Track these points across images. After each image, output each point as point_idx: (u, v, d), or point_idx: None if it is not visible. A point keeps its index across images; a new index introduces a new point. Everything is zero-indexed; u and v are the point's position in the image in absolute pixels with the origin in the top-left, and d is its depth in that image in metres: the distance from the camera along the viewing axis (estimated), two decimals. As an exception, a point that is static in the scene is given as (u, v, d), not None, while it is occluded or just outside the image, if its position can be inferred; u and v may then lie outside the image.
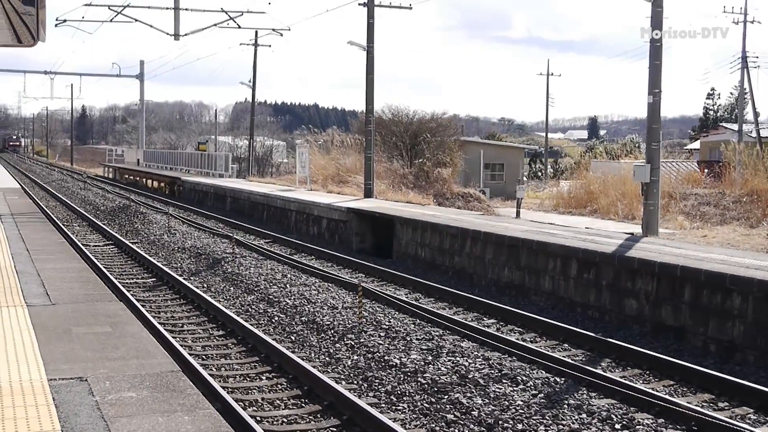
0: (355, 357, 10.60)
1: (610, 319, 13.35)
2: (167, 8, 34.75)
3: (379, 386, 9.38)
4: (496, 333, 11.93)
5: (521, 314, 13.23)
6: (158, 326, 11.66)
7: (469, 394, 8.94)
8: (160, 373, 6.83)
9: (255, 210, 30.77)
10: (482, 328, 12.17)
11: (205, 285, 15.90)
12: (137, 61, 62.43)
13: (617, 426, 8.11)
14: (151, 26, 36.05)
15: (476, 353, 10.62)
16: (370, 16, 28.00)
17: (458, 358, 10.31)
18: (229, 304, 14.13)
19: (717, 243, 18.41)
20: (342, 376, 9.87)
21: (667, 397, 8.97)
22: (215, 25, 36.33)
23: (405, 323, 12.31)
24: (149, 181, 51.09)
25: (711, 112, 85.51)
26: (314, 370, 9.49)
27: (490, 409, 8.50)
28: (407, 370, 9.89)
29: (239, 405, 8.34)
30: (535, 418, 8.25)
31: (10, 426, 5.40)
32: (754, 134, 44.59)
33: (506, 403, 8.68)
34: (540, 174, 67.22)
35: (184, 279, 15.93)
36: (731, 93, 79.41)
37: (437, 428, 8.07)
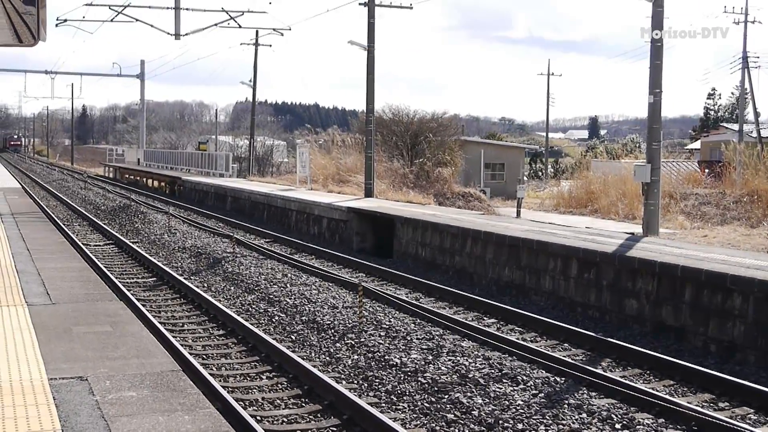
0: (356, 356, 10.60)
1: (610, 319, 13.35)
2: (168, 8, 34.82)
3: (380, 386, 9.38)
4: (496, 333, 11.93)
5: (522, 314, 13.23)
6: (158, 326, 11.66)
7: (469, 394, 8.94)
8: (161, 372, 6.83)
9: (255, 209, 30.77)
10: (483, 327, 12.17)
11: (206, 284, 15.90)
12: (138, 61, 62.54)
13: (617, 426, 8.11)
14: (151, 26, 36.10)
15: (476, 353, 10.62)
16: (371, 16, 28.00)
17: (458, 358, 10.31)
18: (230, 303, 14.13)
19: (717, 243, 18.41)
20: (342, 376, 9.87)
21: (667, 397, 8.96)
22: (216, 24, 36.37)
23: (405, 323, 12.31)
24: (150, 181, 51.09)
25: (711, 112, 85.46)
26: (314, 370, 9.49)
27: (490, 408, 8.50)
28: (407, 369, 9.89)
29: (239, 404, 8.34)
30: (535, 417, 8.25)
31: (11, 425, 5.40)
32: (754, 134, 44.59)
33: (506, 402, 8.68)
34: (540, 174, 67.24)
35: (184, 278, 15.93)
36: (732, 93, 79.42)
37: (437, 428, 8.07)
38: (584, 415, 8.37)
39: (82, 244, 20.49)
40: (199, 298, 13.99)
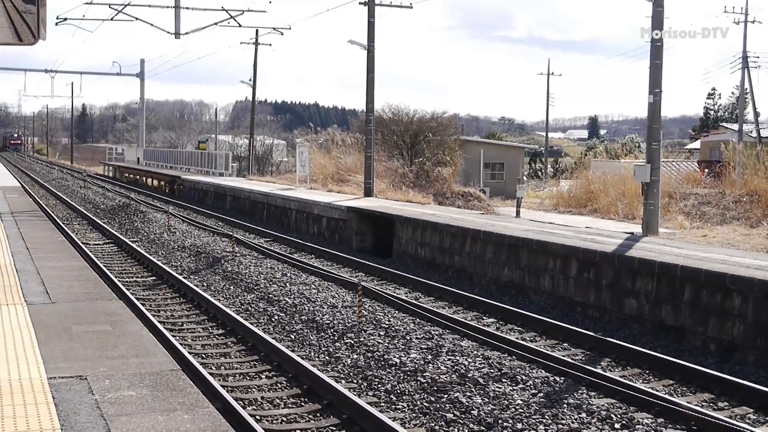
0: (355, 356, 10.60)
1: (609, 319, 13.35)
2: (168, 7, 34.83)
3: (379, 385, 9.38)
4: (495, 332, 11.93)
5: (521, 313, 13.23)
6: (158, 325, 11.65)
7: (468, 394, 8.94)
8: (160, 371, 6.83)
9: (255, 209, 30.77)
10: (482, 327, 12.17)
11: (205, 284, 15.90)
12: (138, 60, 62.50)
13: (617, 425, 8.11)
14: (151, 25, 36.14)
15: (476, 352, 10.62)
16: (371, 15, 27.99)
17: (458, 358, 10.31)
18: (229, 302, 14.12)
19: (717, 243, 18.40)
20: (342, 375, 9.87)
21: (666, 396, 8.97)
22: (216, 23, 36.38)
23: (405, 322, 12.31)
24: (149, 180, 51.08)
25: (711, 112, 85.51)
26: (314, 369, 9.48)
27: (489, 408, 8.50)
28: (407, 369, 9.89)
29: (239, 404, 8.34)
30: (534, 417, 8.25)
31: (10, 424, 5.40)
32: (754, 134, 44.59)
33: (506, 402, 8.68)
34: (540, 173, 67.22)
35: (183, 278, 15.92)
36: (732, 93, 79.46)
37: (437, 427, 8.07)
38: (584, 414, 8.37)
39: (82, 243, 20.49)
40: (199, 297, 13.98)
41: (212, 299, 13.66)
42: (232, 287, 15.53)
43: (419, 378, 9.53)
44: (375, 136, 29.71)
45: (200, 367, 9.49)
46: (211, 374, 9.41)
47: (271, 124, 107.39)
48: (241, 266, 17.49)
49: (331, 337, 11.57)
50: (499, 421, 8.11)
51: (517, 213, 25.68)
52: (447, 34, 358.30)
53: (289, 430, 8.09)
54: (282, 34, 41.38)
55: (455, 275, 17.56)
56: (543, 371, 9.88)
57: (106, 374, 6.66)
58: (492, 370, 9.78)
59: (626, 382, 9.45)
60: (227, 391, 8.71)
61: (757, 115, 47.83)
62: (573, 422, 8.15)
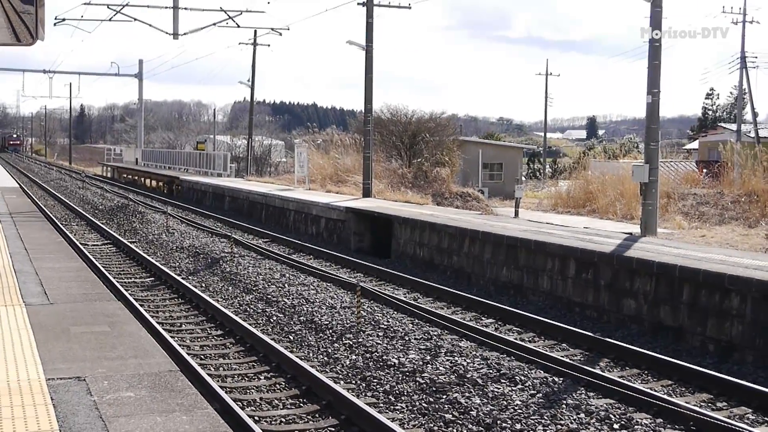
0: (354, 357, 10.60)
1: (608, 319, 13.35)
2: (166, 7, 34.79)
3: (378, 386, 9.38)
4: (494, 333, 11.93)
5: (519, 314, 13.23)
6: (156, 326, 11.65)
7: (467, 394, 8.94)
8: (159, 372, 6.82)
9: (253, 209, 30.77)
10: (481, 327, 12.17)
11: (204, 284, 15.89)
12: (136, 60, 62.50)
13: (615, 426, 8.11)
14: (150, 25, 36.11)
15: (474, 353, 10.62)
16: (369, 16, 27.99)
17: (456, 358, 10.31)
18: (228, 303, 14.12)
19: (715, 243, 18.41)
20: (340, 376, 9.87)
21: (665, 397, 8.97)
22: (214, 24, 36.35)
23: (403, 323, 12.31)
24: (148, 181, 51.07)
25: (710, 112, 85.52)
26: (312, 370, 9.48)
27: (488, 408, 8.50)
28: (405, 369, 9.89)
29: (237, 405, 8.33)
30: (533, 417, 8.25)
31: (8, 426, 5.39)
32: (752, 134, 44.62)
33: (504, 402, 8.68)
34: (538, 174, 67.26)
35: (182, 278, 15.92)
36: (730, 93, 79.43)
37: (435, 428, 8.07)
38: (582, 415, 8.37)
39: (80, 243, 20.47)
40: (197, 298, 13.98)
41: (211, 300, 13.65)
42: (230, 288, 15.52)
43: (418, 378, 9.53)
44: (373, 136, 29.71)
45: (199, 368, 9.48)
46: (209, 375, 9.40)
47: (270, 125, 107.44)
48: (240, 267, 17.48)
49: (330, 338, 11.56)
50: (498, 422, 8.11)
51: (516, 213, 25.69)
52: (445, 34, 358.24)
53: (287, 431, 8.09)
54: (280, 34, 41.41)
55: (454, 276, 17.56)
56: (542, 372, 9.88)
57: (104, 375, 6.65)
58: (491, 371, 9.78)
59: (625, 382, 9.46)
60: (226, 392, 8.71)
61: (755, 115, 47.89)
62: (572, 422, 8.15)
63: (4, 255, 13.49)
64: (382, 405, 8.76)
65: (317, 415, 8.43)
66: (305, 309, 13.32)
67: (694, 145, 62.96)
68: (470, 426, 8.06)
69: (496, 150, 47.84)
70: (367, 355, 10.59)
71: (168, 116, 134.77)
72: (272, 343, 10.78)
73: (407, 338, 11.34)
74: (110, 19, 36.23)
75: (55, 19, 37.28)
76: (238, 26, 36.90)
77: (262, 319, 12.91)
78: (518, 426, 8.03)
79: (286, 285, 15.39)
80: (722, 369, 10.39)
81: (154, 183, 49.42)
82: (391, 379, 9.60)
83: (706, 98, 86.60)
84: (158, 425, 5.55)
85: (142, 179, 52.35)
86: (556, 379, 9.56)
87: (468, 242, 17.38)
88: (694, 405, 8.79)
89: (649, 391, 9.10)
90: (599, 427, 8.07)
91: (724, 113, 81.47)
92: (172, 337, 11.24)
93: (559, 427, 8.06)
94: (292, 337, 11.78)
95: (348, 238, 22.53)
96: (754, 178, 27.25)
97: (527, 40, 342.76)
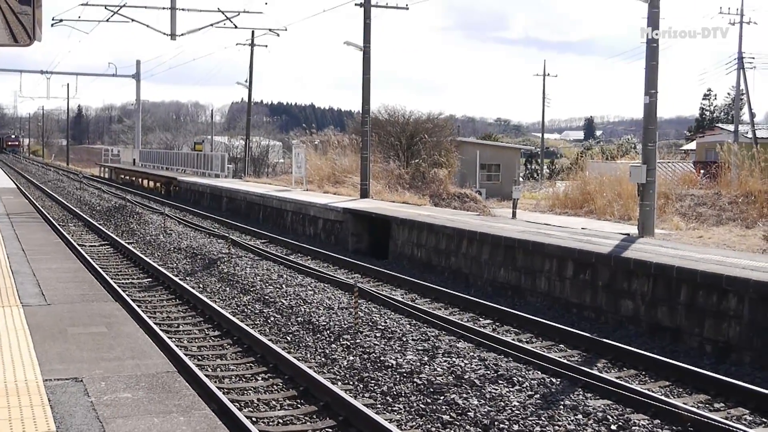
0: (351, 357, 10.60)
1: (606, 320, 13.35)
2: (164, 8, 34.73)
3: (375, 387, 9.37)
4: (492, 333, 11.93)
5: (517, 315, 13.23)
6: (154, 326, 11.63)
7: (465, 395, 8.94)
8: (156, 373, 6.82)
9: (251, 210, 30.75)
10: (478, 328, 12.17)
11: (201, 285, 15.88)
12: (133, 61, 62.32)
13: (613, 427, 8.11)
14: (147, 26, 36.08)
15: (472, 354, 10.62)
16: (367, 17, 28.00)
17: (454, 359, 10.31)
18: (225, 304, 14.11)
19: (713, 244, 18.42)
20: (338, 377, 9.86)
21: (662, 397, 8.97)
22: (212, 25, 36.31)
23: (401, 324, 12.31)
24: (145, 181, 51.02)
25: (707, 113, 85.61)
26: (310, 371, 9.48)
27: (486, 409, 8.50)
28: (403, 370, 9.89)
29: (235, 406, 8.33)
30: (531, 418, 8.26)
31: (5, 427, 5.38)
32: (750, 135, 44.66)
33: (502, 403, 8.68)
34: (536, 174, 67.33)
35: (179, 279, 15.91)
36: (728, 94, 79.55)
37: (433, 429, 8.07)
38: (580, 416, 8.38)
39: (78, 244, 20.46)
40: (195, 299, 13.96)
41: (208, 301, 13.65)
42: (228, 289, 15.51)
43: (415, 379, 9.53)
44: (371, 137, 29.71)
45: (196, 369, 9.48)
46: (207, 376, 9.40)
47: (267, 126, 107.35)
48: (237, 268, 17.47)
49: (328, 339, 11.56)
50: (496, 423, 8.11)
51: (513, 214, 25.70)
52: (443, 34, 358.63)
53: (285, 432, 8.08)
54: (278, 35, 41.35)
55: (451, 276, 17.56)
56: (539, 372, 9.88)
57: (101, 376, 6.64)
58: (488, 372, 9.78)
59: (622, 383, 9.46)
60: (223, 393, 8.70)
61: (752, 115, 47.99)
62: (569, 423, 8.16)
63: (2, 256, 13.47)
64: (379, 406, 8.76)
65: (315, 416, 8.43)
66: (303, 310, 13.32)
67: (692, 145, 63.01)
68: (468, 427, 8.06)
69: (493, 151, 47.89)
70: (365, 356, 10.58)
71: (165, 117, 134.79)
72: (270, 344, 10.78)
73: (405, 339, 11.34)
74: (108, 20, 36.25)
75: (53, 19, 37.27)
76: (236, 27, 36.87)
77: (259, 320, 12.91)
78: (516, 427, 8.03)
79: (283, 286, 15.38)
80: (720, 370, 10.39)
81: (151, 184, 49.37)
82: (389, 380, 9.60)
83: (703, 99, 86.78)
84: (155, 426, 5.54)
85: (140, 180, 52.30)
86: (554, 380, 9.57)
87: (466, 243, 17.38)
88: (692, 406, 8.80)
89: (646, 392, 9.10)
90: (597, 428, 8.07)
91: (722, 114, 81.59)
92: (169, 338, 11.23)
93: (557, 428, 8.06)
94: (289, 338, 11.77)
95: (346, 238, 22.52)
96: (752, 178, 27.27)
97: (525, 40, 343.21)
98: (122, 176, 57.70)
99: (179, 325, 12.57)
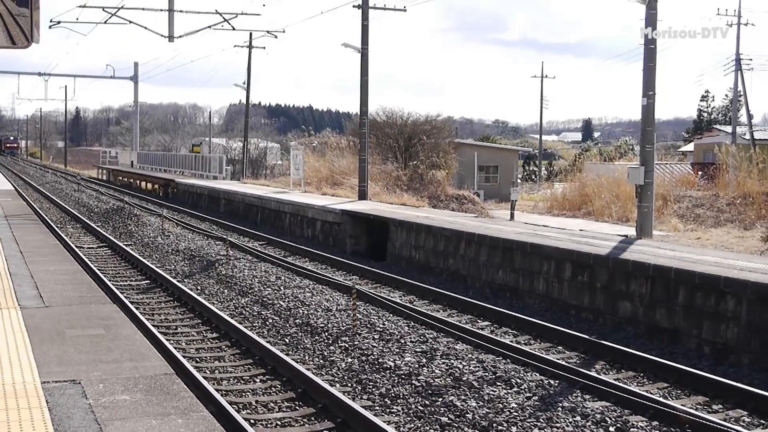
0: (349, 359, 10.59)
1: (604, 322, 13.36)
2: (161, 10, 34.74)
3: (373, 389, 9.37)
4: (490, 335, 11.93)
5: (515, 316, 13.23)
6: (152, 329, 11.62)
7: (463, 397, 8.94)
8: (154, 375, 6.81)
9: (249, 212, 30.74)
10: (476, 330, 12.17)
11: (199, 287, 15.87)
12: (131, 63, 62.26)
13: (611, 428, 8.11)
14: (145, 28, 36.03)
15: (470, 356, 10.62)
16: (365, 18, 28.01)
17: (452, 361, 10.31)
18: (223, 306, 14.10)
19: (711, 245, 18.44)
20: (336, 379, 9.86)
21: (661, 399, 8.98)
22: (209, 26, 36.31)
23: (399, 326, 12.30)
24: (143, 183, 51.01)
25: (705, 115, 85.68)
26: (308, 373, 9.47)
27: (484, 411, 8.50)
28: (401, 372, 9.88)
29: (233, 408, 8.32)
30: (529, 420, 8.26)
31: (3, 429, 5.37)
32: (747, 136, 44.71)
33: (500, 405, 8.68)
34: (534, 176, 67.30)
35: (177, 281, 15.89)
36: (725, 95, 79.60)
37: (431, 431, 8.07)
38: (578, 417, 8.38)
39: (76, 246, 20.44)
40: (193, 301, 13.95)
41: (206, 303, 13.63)
42: (226, 291, 15.50)
43: (414, 381, 9.52)
44: (369, 139, 29.72)
45: (194, 371, 9.46)
46: (205, 378, 9.39)
47: (265, 127, 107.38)
48: (236, 270, 17.46)
49: (326, 341, 11.56)
50: (494, 425, 8.11)
51: (511, 216, 25.71)
52: (441, 36, 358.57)
53: (283, 434, 8.08)
54: (276, 37, 41.37)
55: (449, 278, 17.56)
56: (537, 374, 9.88)
57: (99, 378, 6.63)
58: (486, 374, 9.78)
59: (621, 385, 9.46)
60: (221, 395, 8.70)
61: (750, 117, 48.09)
62: (568, 425, 8.16)
63: (0, 258, 13.46)
64: (377, 408, 8.75)
65: (313, 418, 8.42)
66: (301, 312, 13.31)
67: (690, 147, 63.09)
68: (466, 429, 8.06)
69: (491, 152, 47.90)
70: (363, 358, 10.58)
71: (163, 119, 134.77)
72: (268, 345, 10.77)
73: (403, 341, 11.33)
74: (105, 22, 36.22)
75: (50, 21, 37.30)
76: (234, 29, 36.87)
77: (257, 322, 12.90)
78: (514, 429, 8.03)
79: (281, 288, 15.38)
80: (718, 371, 10.39)
81: (149, 186, 49.36)
82: (387, 381, 9.59)
83: (701, 100, 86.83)
84: (154, 428, 5.54)
85: (138, 182, 52.29)
86: (552, 382, 9.57)
87: (464, 245, 17.38)
88: (690, 407, 8.80)
89: (645, 393, 9.11)
90: (595, 430, 8.07)
91: (720, 115, 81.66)
92: (167, 340, 11.22)
93: (555, 429, 8.06)
94: (287, 340, 11.77)
95: (344, 240, 22.51)
96: (750, 180, 27.31)
97: (522, 42, 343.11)
98: (120, 178, 57.67)
99: (177, 327, 12.56)
